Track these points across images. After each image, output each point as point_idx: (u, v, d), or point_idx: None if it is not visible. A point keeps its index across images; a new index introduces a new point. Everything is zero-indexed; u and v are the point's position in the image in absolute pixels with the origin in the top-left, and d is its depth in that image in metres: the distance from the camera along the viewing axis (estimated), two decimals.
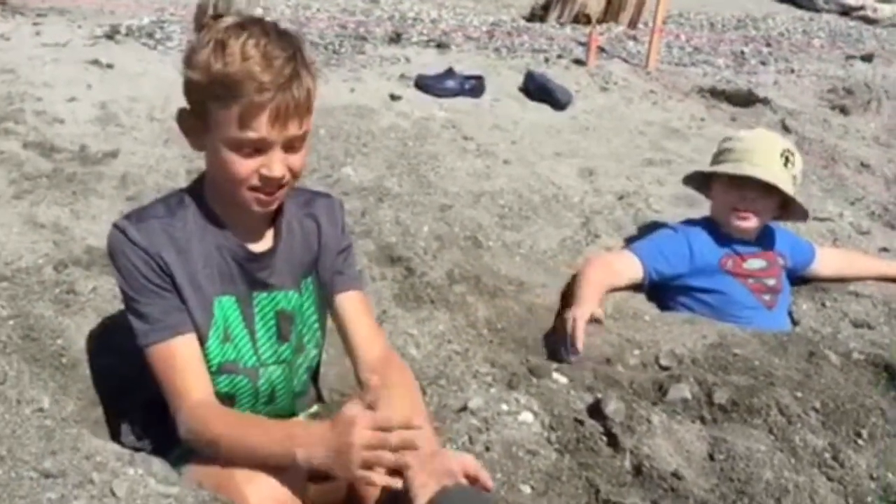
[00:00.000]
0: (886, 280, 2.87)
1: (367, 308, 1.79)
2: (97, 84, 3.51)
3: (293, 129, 1.46)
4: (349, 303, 1.73)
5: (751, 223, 2.62)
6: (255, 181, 1.49)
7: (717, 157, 2.72)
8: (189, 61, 1.48)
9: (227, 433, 1.48)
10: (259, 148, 1.45)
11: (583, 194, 3.33)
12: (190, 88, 1.49)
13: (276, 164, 1.47)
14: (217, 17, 1.49)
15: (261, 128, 1.43)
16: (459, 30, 5.67)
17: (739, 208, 2.60)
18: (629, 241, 3.04)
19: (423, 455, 1.43)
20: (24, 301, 2.05)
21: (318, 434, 1.41)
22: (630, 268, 2.58)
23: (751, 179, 2.54)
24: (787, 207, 2.69)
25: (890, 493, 1.85)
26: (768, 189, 2.57)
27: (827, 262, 2.89)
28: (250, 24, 1.47)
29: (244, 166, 1.47)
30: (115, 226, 1.54)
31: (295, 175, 1.53)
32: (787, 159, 2.58)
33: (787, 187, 2.58)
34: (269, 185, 1.49)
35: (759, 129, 2.83)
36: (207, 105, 1.45)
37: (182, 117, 1.54)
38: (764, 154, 2.58)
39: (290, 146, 1.48)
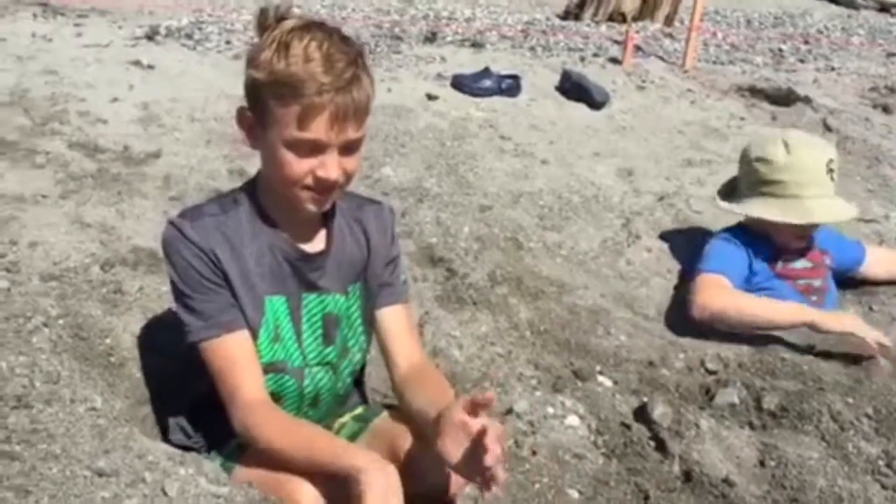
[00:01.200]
0: None
1: (410, 322, 1.78)
2: (139, 84, 3.54)
3: (351, 132, 1.46)
4: (392, 317, 1.73)
5: (805, 240, 2.62)
6: (309, 181, 1.49)
7: (761, 186, 2.55)
8: (252, 61, 1.48)
9: (280, 440, 1.49)
10: (315, 149, 1.45)
11: (622, 195, 3.30)
12: (251, 87, 1.49)
13: (332, 167, 1.47)
14: (280, 18, 1.50)
15: (319, 129, 1.43)
16: (494, 28, 5.65)
17: (803, 236, 2.60)
18: (670, 244, 3.01)
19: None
20: (72, 300, 2.07)
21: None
22: (727, 282, 2.48)
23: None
24: None
25: None
26: None
27: (878, 261, 2.83)
28: (314, 27, 1.47)
29: (300, 166, 1.47)
30: (171, 223, 1.55)
31: (349, 177, 1.53)
32: (831, 171, 2.53)
33: (845, 217, 2.60)
34: (324, 185, 1.50)
35: (798, 146, 2.54)
36: (268, 104, 1.46)
37: (242, 116, 1.54)
38: (817, 182, 2.49)
39: (347, 149, 1.48)
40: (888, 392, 2.12)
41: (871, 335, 2.26)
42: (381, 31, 5.23)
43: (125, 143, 2.98)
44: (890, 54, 6.30)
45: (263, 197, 1.59)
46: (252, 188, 1.61)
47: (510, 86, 4.18)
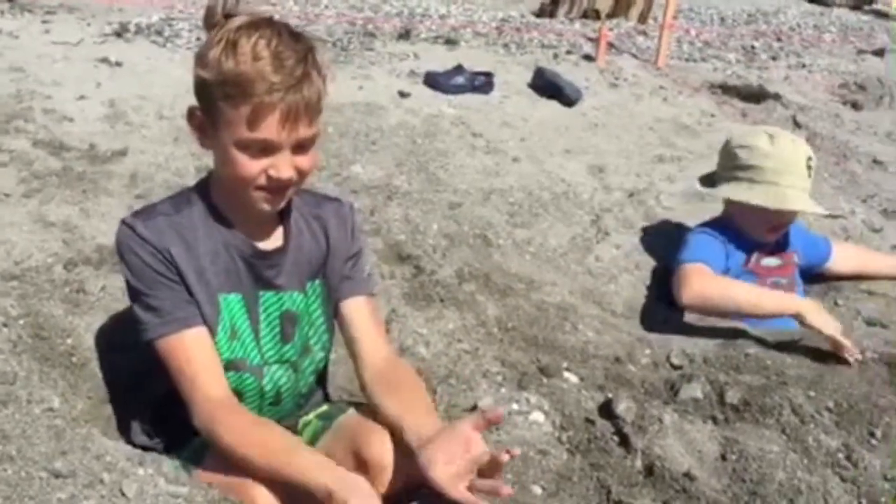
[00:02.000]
0: None
1: (374, 313, 1.77)
2: (106, 82, 3.51)
3: (303, 131, 1.46)
4: (355, 309, 1.72)
5: (780, 234, 2.64)
6: (262, 181, 1.48)
7: (742, 172, 2.59)
8: (200, 60, 1.47)
9: (242, 447, 1.47)
10: (267, 149, 1.45)
11: (592, 191, 3.31)
12: (200, 87, 1.48)
13: (284, 166, 1.46)
14: (228, 16, 1.48)
15: (270, 129, 1.42)
16: (468, 26, 5.65)
17: (778, 226, 2.61)
18: (642, 240, 3.02)
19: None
20: (33, 300, 2.05)
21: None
22: (710, 271, 2.51)
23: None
24: None
25: None
26: None
27: (844, 258, 2.87)
28: (262, 24, 1.46)
29: (252, 166, 1.46)
30: (124, 222, 1.54)
31: (303, 175, 1.52)
32: (810, 168, 2.56)
33: (822, 211, 2.64)
34: (277, 185, 1.49)
35: (781, 138, 2.61)
36: (217, 104, 1.45)
37: (192, 115, 1.53)
38: (796, 173, 2.53)
39: (300, 147, 1.47)
40: (849, 385, 2.15)
41: (851, 354, 2.26)
42: (355, 28, 5.21)
43: (91, 142, 2.95)
44: (861, 51, 6.37)
45: (217, 195, 1.58)
46: (206, 187, 1.60)
47: (483, 83, 4.18)
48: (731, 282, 2.47)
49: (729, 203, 2.69)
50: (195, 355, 1.53)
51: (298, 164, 1.48)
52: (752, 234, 2.64)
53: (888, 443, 2.01)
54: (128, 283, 1.55)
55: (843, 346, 2.25)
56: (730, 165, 2.64)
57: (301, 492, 1.42)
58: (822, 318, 2.30)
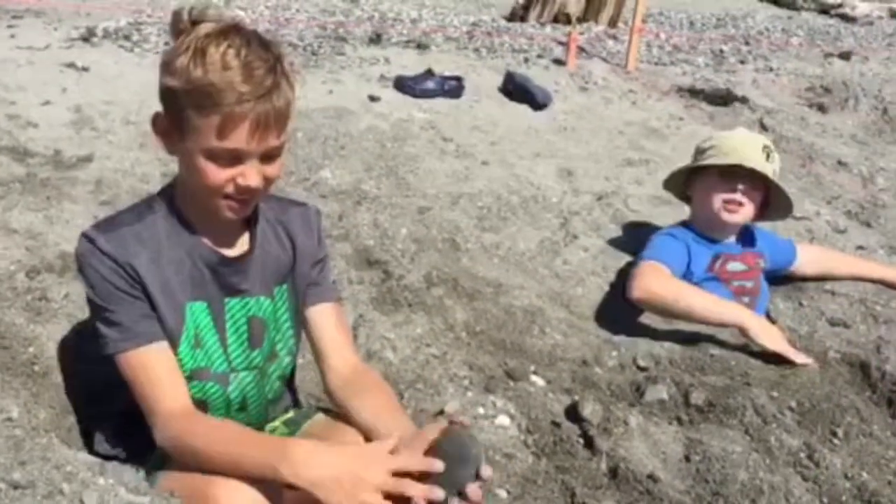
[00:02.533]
0: (867, 281, 2.87)
1: (340, 320, 1.77)
2: (72, 87, 3.48)
3: (272, 140, 1.45)
4: (322, 315, 1.72)
5: (738, 216, 2.63)
6: (229, 189, 1.47)
7: (702, 155, 2.71)
8: (167, 67, 1.44)
9: (207, 445, 1.46)
10: (236, 158, 1.43)
11: (561, 195, 3.33)
12: (167, 94, 1.46)
13: (253, 175, 1.45)
14: (195, 22, 1.47)
15: (239, 139, 1.41)
16: (440, 30, 5.66)
17: (729, 200, 2.61)
18: (610, 243, 3.05)
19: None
20: None
21: (318, 456, 1.39)
22: (668, 271, 2.53)
23: (742, 170, 2.56)
24: (767, 206, 2.72)
25: (864, 493, 1.86)
26: (756, 182, 2.61)
27: (808, 260, 2.90)
28: (231, 32, 1.43)
29: (220, 175, 1.45)
30: (84, 235, 1.52)
31: (270, 183, 1.51)
32: (768, 154, 2.62)
33: (775, 178, 2.65)
34: (244, 194, 1.48)
35: (739, 128, 2.88)
36: (185, 112, 1.42)
37: (157, 121, 1.51)
38: (749, 150, 2.61)
39: (268, 156, 1.46)
40: (812, 385, 2.18)
41: (799, 360, 2.27)
42: (326, 32, 5.20)
43: (56, 147, 2.93)
44: (827, 55, 6.44)
45: (181, 202, 1.57)
46: (170, 193, 1.59)
47: (453, 87, 4.19)
48: (683, 285, 2.48)
49: (692, 192, 2.75)
50: (156, 371, 1.52)
51: (266, 173, 1.47)
52: (712, 220, 2.65)
53: (849, 442, 2.04)
54: (87, 296, 1.54)
55: (789, 359, 2.26)
56: (693, 156, 2.77)
57: (274, 488, 1.42)
58: (764, 334, 2.31)
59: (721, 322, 2.39)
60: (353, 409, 1.62)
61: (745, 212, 2.63)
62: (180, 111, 1.43)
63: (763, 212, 2.74)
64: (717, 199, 2.62)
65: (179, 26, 1.46)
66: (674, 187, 2.87)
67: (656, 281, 2.45)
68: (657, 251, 2.57)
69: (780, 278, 2.90)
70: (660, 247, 2.60)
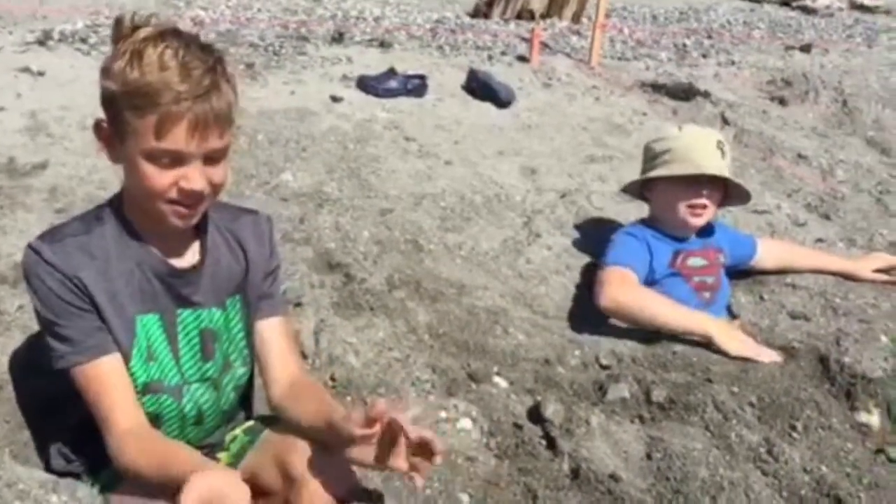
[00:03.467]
0: (827, 273, 2.89)
1: (288, 333, 1.77)
2: (27, 92, 3.42)
3: (213, 142, 1.43)
4: (271, 330, 1.71)
5: (703, 219, 2.66)
6: (173, 194, 1.45)
7: (657, 160, 2.69)
8: (105, 72, 1.43)
9: (147, 468, 1.46)
10: (177, 160, 1.41)
11: (525, 193, 3.33)
12: (106, 99, 1.44)
13: (196, 178, 1.43)
14: (135, 28, 1.45)
15: (178, 139, 1.39)
16: (403, 28, 5.64)
17: (695, 205, 2.62)
18: (574, 241, 3.05)
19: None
20: None
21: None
22: (633, 277, 2.54)
23: (705, 176, 2.58)
24: (727, 197, 2.74)
25: (823, 486, 1.88)
26: (718, 183, 2.62)
27: (769, 254, 2.92)
28: (168, 35, 1.43)
29: (162, 178, 1.42)
30: (30, 247, 1.49)
31: (216, 189, 1.49)
32: (722, 151, 2.63)
33: (737, 179, 2.68)
34: (189, 198, 1.46)
35: (688, 125, 2.88)
36: (123, 115, 1.41)
37: (99, 128, 1.49)
38: (706, 151, 2.62)
39: (210, 159, 1.44)
40: (772, 380, 2.20)
41: (765, 360, 2.28)
42: (287, 31, 5.16)
43: (10, 155, 2.87)
44: (788, 47, 6.51)
45: (130, 212, 1.54)
46: (118, 203, 1.56)
47: (416, 86, 4.18)
48: (647, 295, 2.47)
49: (652, 196, 2.75)
50: (108, 385, 1.49)
51: (210, 176, 1.45)
52: (675, 223, 2.66)
53: (808, 435, 2.06)
54: (36, 310, 1.51)
55: (756, 361, 2.27)
56: (647, 159, 2.76)
57: None
58: (729, 341, 2.32)
59: (685, 332, 2.38)
60: (293, 419, 1.64)
61: (709, 213, 2.66)
62: (119, 114, 1.41)
63: (721, 202, 2.76)
64: (682, 206, 2.63)
65: (120, 32, 1.44)
66: (633, 191, 2.88)
67: (622, 290, 2.45)
68: (620, 255, 2.57)
69: (741, 272, 2.93)
70: (622, 250, 2.59)
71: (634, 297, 2.45)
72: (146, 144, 1.39)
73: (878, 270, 2.84)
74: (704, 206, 2.63)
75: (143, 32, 1.42)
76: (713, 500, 1.73)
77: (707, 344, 2.35)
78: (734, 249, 2.82)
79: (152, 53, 1.38)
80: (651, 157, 2.74)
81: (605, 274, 2.51)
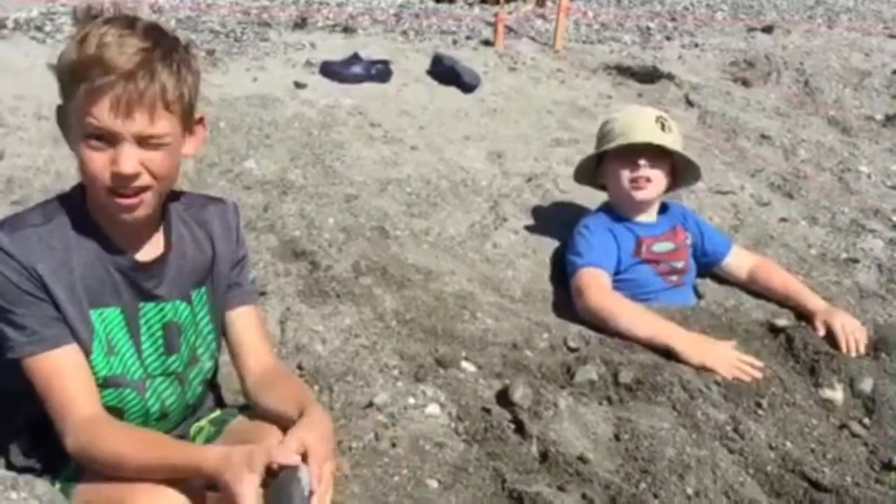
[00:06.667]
0: (792, 305, 2.63)
1: (259, 321, 1.76)
2: None
3: (140, 123, 1.39)
4: (242, 319, 1.70)
5: (649, 192, 2.65)
6: (107, 179, 1.41)
7: (601, 142, 2.76)
8: (59, 57, 1.43)
9: (121, 451, 1.43)
10: (107, 139, 1.39)
11: (491, 178, 3.32)
12: (59, 83, 1.43)
13: (124, 158, 1.39)
14: (94, 17, 1.43)
15: (102, 114, 1.37)
16: (367, 13, 5.59)
17: (635, 177, 2.63)
18: (540, 225, 3.04)
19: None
20: None
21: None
22: (606, 279, 2.54)
23: (640, 146, 2.59)
24: (677, 175, 2.75)
25: (788, 461, 1.90)
26: (657, 154, 2.63)
27: (743, 263, 2.80)
28: (119, 19, 1.42)
29: (96, 160, 1.39)
30: None
31: (157, 178, 1.45)
32: (662, 125, 2.65)
33: (674, 147, 2.65)
34: (122, 183, 1.41)
35: (630, 105, 3.03)
36: (66, 93, 1.41)
37: (57, 115, 1.48)
38: (642, 125, 2.65)
39: (145, 143, 1.41)
40: None
41: (733, 370, 2.18)
42: (249, 17, 5.09)
43: None
44: (751, 29, 6.55)
45: (90, 204, 1.51)
46: (79, 194, 1.53)
47: (380, 71, 4.14)
48: (617, 303, 2.43)
49: (605, 179, 2.77)
50: (65, 375, 1.46)
51: (147, 163, 1.41)
52: (626, 201, 2.68)
53: (774, 412, 2.09)
54: None
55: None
56: (596, 145, 2.80)
57: (192, 486, 1.41)
58: (693, 352, 2.23)
59: (651, 344, 2.29)
60: (265, 405, 1.62)
61: (654, 186, 2.65)
62: (65, 96, 1.42)
63: (676, 181, 2.77)
64: (624, 179, 2.64)
65: (79, 21, 1.42)
66: (585, 178, 2.89)
67: (594, 297, 2.44)
68: (589, 255, 2.56)
69: (712, 275, 2.86)
70: (590, 249, 2.58)
71: (604, 306, 2.42)
72: (79, 120, 1.39)
73: (827, 330, 2.46)
74: (647, 179, 2.63)
75: (99, 19, 1.41)
76: (681, 479, 1.74)
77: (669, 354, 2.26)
78: (707, 242, 2.80)
79: (95, 33, 1.38)
80: (598, 139, 2.80)
81: (579, 279, 2.52)
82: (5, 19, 4.27)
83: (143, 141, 1.40)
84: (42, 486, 1.48)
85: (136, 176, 1.41)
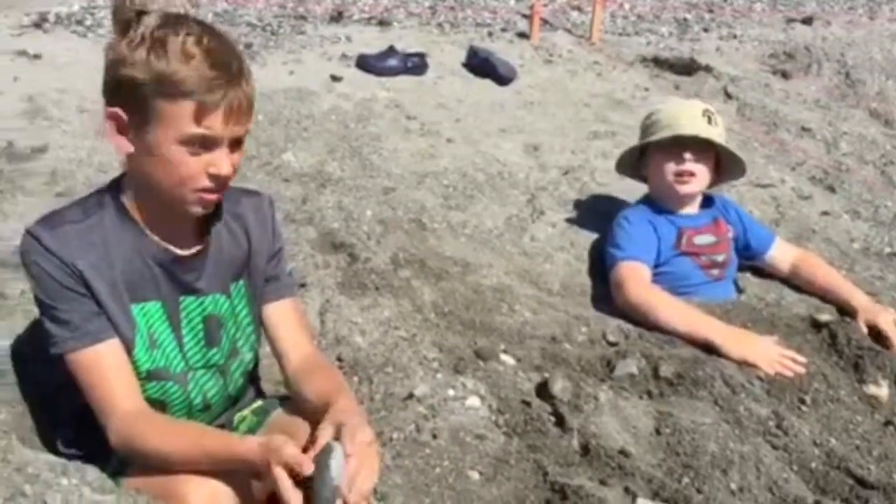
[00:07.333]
0: (834, 300, 2.59)
1: (298, 314, 1.76)
2: (25, 76, 3.39)
3: (244, 126, 1.44)
4: (281, 312, 1.70)
5: (693, 186, 2.62)
6: (202, 181, 1.44)
7: (645, 133, 2.73)
8: (122, 60, 1.38)
9: (164, 444, 1.45)
10: (207, 145, 1.41)
11: (528, 171, 3.31)
12: (125, 87, 1.39)
13: (225, 162, 1.43)
14: (140, 13, 1.42)
15: (215, 125, 1.38)
16: (402, 6, 5.59)
17: (680, 171, 2.60)
18: (577, 218, 3.03)
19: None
20: None
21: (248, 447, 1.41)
22: (646, 272, 2.51)
23: (685, 140, 2.56)
24: (722, 169, 2.71)
25: (833, 458, 1.88)
26: (703, 148, 2.59)
27: (785, 257, 2.76)
28: (183, 20, 1.41)
29: (193, 164, 1.41)
30: (28, 232, 1.47)
31: (234, 174, 1.48)
32: (709, 118, 2.62)
33: (720, 140, 2.61)
34: (218, 183, 1.45)
35: (673, 98, 3.00)
36: (150, 103, 1.38)
37: (113, 117, 1.43)
38: (688, 118, 2.61)
39: (236, 143, 1.44)
40: None
41: (775, 365, 2.15)
42: (285, 11, 5.12)
43: (8, 139, 2.85)
44: (790, 20, 6.45)
45: (132, 199, 1.52)
46: (117, 190, 1.54)
47: (416, 64, 4.15)
48: (656, 297, 2.40)
49: (647, 171, 2.75)
50: (107, 370, 1.48)
51: (234, 161, 1.45)
52: (669, 195, 2.65)
53: (817, 408, 2.06)
54: (35, 295, 1.49)
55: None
56: (641, 136, 2.78)
57: (237, 476, 1.42)
58: (735, 347, 2.20)
59: (691, 338, 2.27)
60: (303, 396, 1.63)
61: (698, 181, 2.62)
62: (144, 103, 1.38)
63: (720, 176, 2.74)
64: (669, 173, 2.62)
65: (124, 15, 1.41)
66: (627, 170, 2.86)
67: (633, 290, 2.42)
68: (629, 247, 2.54)
69: (751, 268, 2.83)
70: (630, 241, 2.56)
71: (643, 299, 2.40)
72: (182, 130, 1.38)
73: (871, 327, 2.43)
74: (692, 174, 2.60)
75: (153, 19, 1.40)
76: (724, 474, 1.73)
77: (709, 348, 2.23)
78: (749, 234, 2.76)
79: (175, 41, 1.36)
80: (642, 130, 2.77)
81: (618, 272, 2.50)
82: (47, 14, 4.34)
83: (235, 141, 1.43)
84: (92, 472, 1.50)
85: (232, 176, 1.45)
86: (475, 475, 1.72)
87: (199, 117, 1.37)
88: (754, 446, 1.84)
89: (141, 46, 1.37)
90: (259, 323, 1.72)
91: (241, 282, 1.66)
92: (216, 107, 1.37)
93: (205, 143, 1.40)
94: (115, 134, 1.45)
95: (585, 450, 1.81)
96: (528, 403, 1.95)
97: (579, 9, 6.00)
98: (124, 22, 1.42)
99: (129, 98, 1.40)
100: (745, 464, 1.77)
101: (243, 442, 1.45)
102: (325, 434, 1.41)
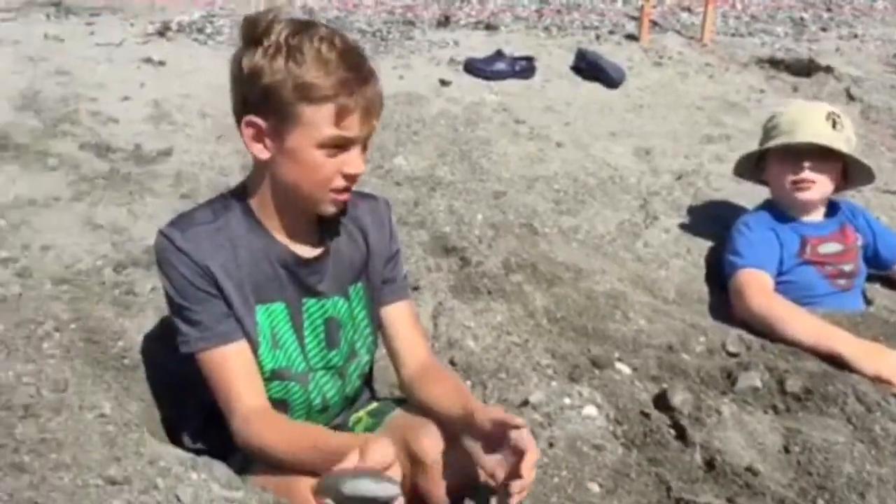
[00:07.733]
0: None
1: (413, 316, 1.78)
2: (150, 82, 3.53)
3: (375, 125, 1.49)
4: (397, 314, 1.73)
5: (813, 193, 2.51)
6: (337, 181, 1.49)
7: (765, 138, 2.63)
8: (259, 71, 1.42)
9: (286, 445, 1.48)
10: (343, 146, 1.45)
11: (640, 175, 3.24)
12: (267, 95, 1.42)
13: (358, 161, 1.49)
14: (270, 24, 1.46)
15: (353, 125, 1.43)
16: (508, 10, 5.58)
17: (798, 180, 2.49)
18: (692, 223, 2.94)
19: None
20: (84, 303, 2.06)
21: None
22: (768, 280, 2.43)
23: (804, 147, 2.45)
24: (849, 175, 2.58)
25: None
26: (824, 155, 2.47)
27: None
28: (311, 26, 1.46)
29: (329, 165, 1.46)
30: (161, 233, 1.53)
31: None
32: (834, 122, 2.48)
33: (841, 147, 2.47)
34: (352, 182, 1.51)
35: (797, 101, 2.82)
36: (291, 109, 1.42)
37: (251, 126, 1.47)
38: (810, 122, 2.49)
39: (366, 142, 1.49)
40: None
41: None
42: (394, 17, 5.18)
43: (136, 142, 2.97)
44: None
45: (258, 202, 1.56)
46: (243, 193, 1.58)
47: (524, 67, 4.13)
48: (780, 307, 2.30)
49: (766, 176, 2.65)
50: (234, 370, 1.53)
51: (364, 159, 1.52)
52: (790, 202, 2.54)
53: None
54: (167, 294, 1.55)
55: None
56: (761, 140, 2.67)
57: None
58: (866, 359, 2.07)
59: (817, 350, 2.15)
60: (422, 400, 1.65)
61: (819, 188, 2.50)
62: (284, 109, 1.42)
63: (847, 182, 2.61)
64: (787, 181, 2.51)
65: (256, 31, 1.44)
66: (746, 173, 2.76)
67: (755, 299, 2.33)
68: (751, 254, 2.44)
69: (880, 278, 2.70)
70: (752, 247, 2.46)
71: (766, 309, 2.30)
72: (323, 133, 1.42)
73: None
74: (812, 182, 2.48)
75: (283, 27, 1.44)
76: (861, 497, 1.63)
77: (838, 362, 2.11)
78: (880, 243, 2.63)
79: (309, 47, 1.41)
80: (763, 133, 2.66)
81: (739, 279, 2.41)
82: (169, 22, 4.51)
83: (366, 140, 1.49)
84: (220, 467, 1.55)
85: (362, 174, 1.51)
86: (595, 487, 1.68)
87: (338, 120, 1.41)
88: (893, 469, 1.73)
89: (278, 55, 1.41)
90: (376, 325, 1.74)
91: (360, 284, 1.68)
92: (354, 108, 1.41)
93: (342, 144, 1.45)
94: (253, 141, 1.48)
95: (710, 465, 1.74)
96: (646, 415, 1.90)
97: (689, 10, 5.85)
98: (257, 36, 1.45)
99: (270, 105, 1.44)
100: (883, 486, 1.67)
101: (356, 440, 1.44)
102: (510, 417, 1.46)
